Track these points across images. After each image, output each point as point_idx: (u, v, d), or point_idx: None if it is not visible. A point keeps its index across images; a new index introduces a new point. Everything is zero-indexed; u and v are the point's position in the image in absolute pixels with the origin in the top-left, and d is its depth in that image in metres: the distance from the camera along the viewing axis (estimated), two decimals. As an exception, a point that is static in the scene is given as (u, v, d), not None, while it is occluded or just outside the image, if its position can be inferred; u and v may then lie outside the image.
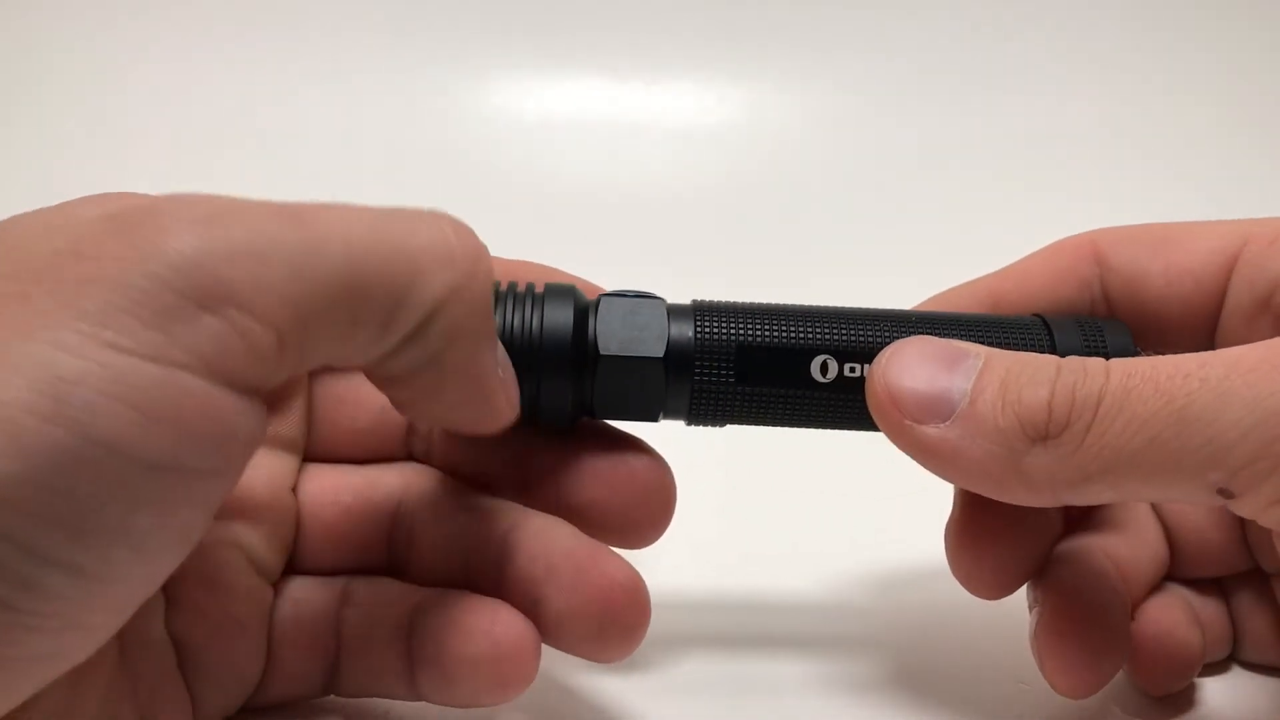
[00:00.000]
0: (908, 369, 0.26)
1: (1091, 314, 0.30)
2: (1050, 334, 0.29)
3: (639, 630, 0.26)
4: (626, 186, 0.66)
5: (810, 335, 0.27)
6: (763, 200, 0.66)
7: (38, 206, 0.21)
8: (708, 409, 0.28)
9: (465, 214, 0.27)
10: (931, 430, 0.25)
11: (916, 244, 0.61)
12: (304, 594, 0.28)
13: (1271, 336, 0.27)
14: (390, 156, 0.67)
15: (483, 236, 0.26)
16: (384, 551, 0.28)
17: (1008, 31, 0.73)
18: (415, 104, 0.69)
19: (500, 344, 0.25)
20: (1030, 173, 0.68)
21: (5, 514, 0.17)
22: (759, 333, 0.27)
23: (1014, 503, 0.25)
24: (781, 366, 0.27)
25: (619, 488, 0.27)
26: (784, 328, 0.27)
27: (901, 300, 0.32)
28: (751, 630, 0.33)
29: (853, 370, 0.27)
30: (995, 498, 0.25)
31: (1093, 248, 0.30)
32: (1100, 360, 0.25)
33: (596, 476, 0.27)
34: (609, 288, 0.28)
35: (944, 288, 0.32)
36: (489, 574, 0.27)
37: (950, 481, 0.26)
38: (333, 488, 0.28)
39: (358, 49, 0.71)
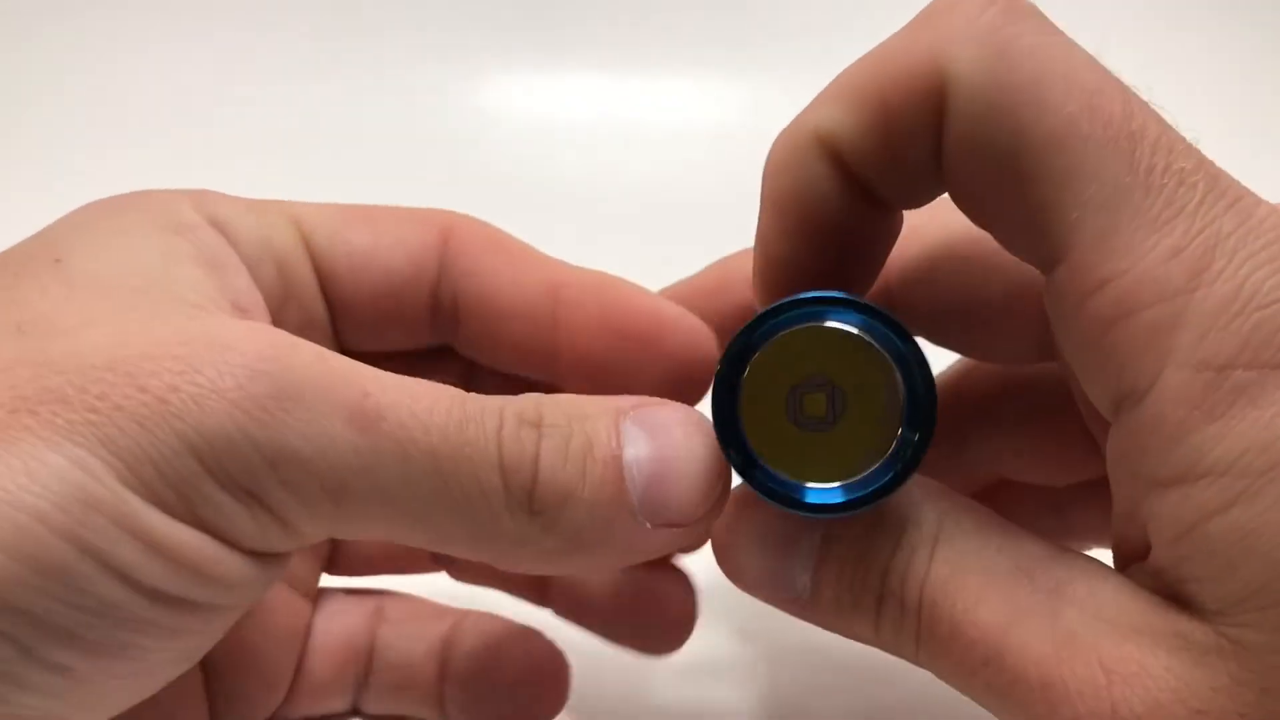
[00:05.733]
0: (740, 561, 0.22)
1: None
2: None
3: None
4: (624, 186, 0.66)
5: None
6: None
7: (36, 205, 0.21)
8: None
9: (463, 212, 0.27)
10: (787, 605, 0.22)
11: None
12: (339, 607, 0.27)
13: None
14: (387, 155, 0.67)
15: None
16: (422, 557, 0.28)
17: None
18: (411, 102, 0.69)
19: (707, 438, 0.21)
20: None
21: (7, 615, 0.17)
22: None
23: None
24: None
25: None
26: None
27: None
28: (746, 640, 0.33)
29: None
30: None
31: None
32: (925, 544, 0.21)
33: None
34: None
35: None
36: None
37: None
38: None
39: (354, 47, 0.71)
